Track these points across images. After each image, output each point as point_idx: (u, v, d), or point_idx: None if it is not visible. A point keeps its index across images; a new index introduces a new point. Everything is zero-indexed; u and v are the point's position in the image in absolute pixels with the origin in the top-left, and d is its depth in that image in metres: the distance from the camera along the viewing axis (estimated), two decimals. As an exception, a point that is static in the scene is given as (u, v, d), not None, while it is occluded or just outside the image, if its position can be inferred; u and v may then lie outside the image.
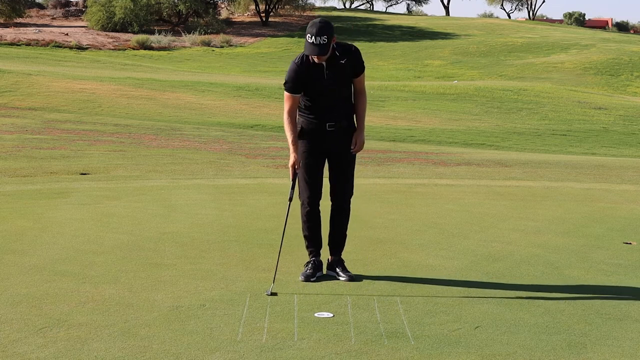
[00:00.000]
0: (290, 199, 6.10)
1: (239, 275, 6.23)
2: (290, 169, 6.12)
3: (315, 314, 5.29)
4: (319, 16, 67.21)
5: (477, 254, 7.19)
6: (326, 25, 5.92)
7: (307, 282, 6.07)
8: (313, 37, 5.88)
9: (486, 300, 5.72)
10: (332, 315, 5.28)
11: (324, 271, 6.31)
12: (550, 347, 4.80)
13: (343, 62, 6.05)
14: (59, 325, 4.97)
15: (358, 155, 6.45)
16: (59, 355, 4.49)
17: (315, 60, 5.99)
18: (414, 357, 4.60)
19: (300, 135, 6.17)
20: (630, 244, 7.89)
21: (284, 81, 6.12)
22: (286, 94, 6.10)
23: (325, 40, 5.87)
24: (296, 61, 6.08)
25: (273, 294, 5.75)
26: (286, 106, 6.11)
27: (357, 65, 6.12)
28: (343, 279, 6.18)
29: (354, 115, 6.26)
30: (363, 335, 4.93)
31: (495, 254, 7.22)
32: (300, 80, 6.04)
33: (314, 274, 6.17)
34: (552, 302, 5.72)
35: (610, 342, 4.93)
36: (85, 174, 12.49)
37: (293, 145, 6.07)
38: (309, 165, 6.17)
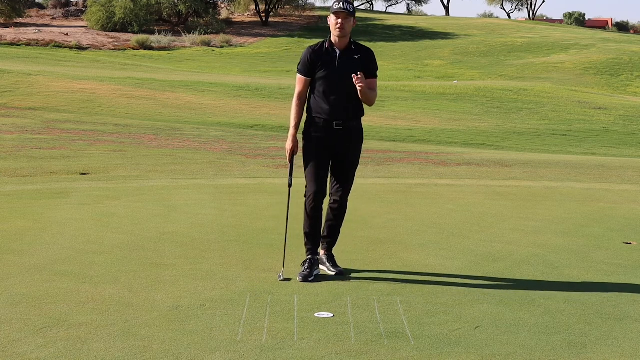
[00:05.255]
0: (290, 185, 6.28)
1: (239, 275, 6.23)
2: (288, 152, 6.24)
3: (315, 314, 5.29)
4: (319, 16, 67.10)
5: (477, 254, 7.19)
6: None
7: (305, 282, 6.07)
8: (341, 3, 6.15)
9: (486, 300, 5.73)
10: (332, 315, 5.28)
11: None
12: (550, 347, 4.81)
13: (357, 57, 6.23)
14: (59, 325, 4.97)
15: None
16: (59, 355, 4.49)
17: (338, 23, 6.13)
18: (414, 357, 4.60)
19: (308, 132, 6.28)
20: (630, 244, 7.89)
21: (298, 63, 6.34)
22: (298, 76, 6.31)
23: (351, 5, 6.17)
24: (312, 46, 6.32)
25: (286, 279, 6.03)
26: (297, 89, 6.31)
27: (370, 65, 6.29)
28: (333, 273, 6.29)
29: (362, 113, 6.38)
30: (363, 335, 4.93)
31: (495, 254, 7.22)
32: (312, 62, 6.23)
33: (311, 273, 6.17)
34: (552, 302, 5.72)
35: (610, 342, 4.93)
36: (85, 174, 12.49)
37: (294, 129, 6.24)
38: (318, 162, 6.25)
